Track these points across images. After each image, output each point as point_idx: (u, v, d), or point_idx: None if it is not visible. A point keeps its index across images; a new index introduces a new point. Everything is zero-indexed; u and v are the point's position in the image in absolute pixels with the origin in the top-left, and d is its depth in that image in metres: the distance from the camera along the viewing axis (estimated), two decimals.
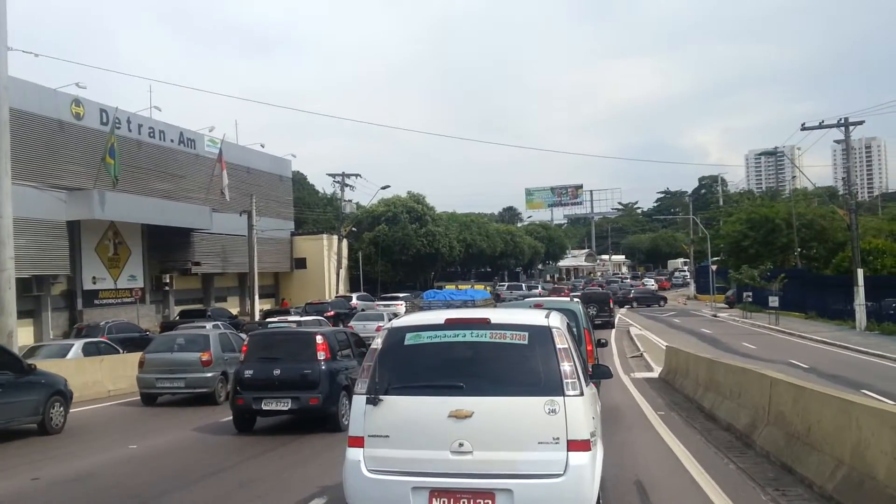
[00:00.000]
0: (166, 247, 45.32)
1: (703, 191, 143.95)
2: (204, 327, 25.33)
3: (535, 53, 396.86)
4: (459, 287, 50.46)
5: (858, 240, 36.11)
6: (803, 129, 35.58)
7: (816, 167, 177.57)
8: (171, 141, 46.03)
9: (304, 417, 13.31)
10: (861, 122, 34.89)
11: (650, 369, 23.35)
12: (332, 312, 38.89)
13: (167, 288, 45.48)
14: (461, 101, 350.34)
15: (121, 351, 22.46)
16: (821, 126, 35.30)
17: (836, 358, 26.07)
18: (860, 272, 34.79)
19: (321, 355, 13.08)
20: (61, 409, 14.07)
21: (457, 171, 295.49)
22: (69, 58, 42.81)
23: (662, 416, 14.02)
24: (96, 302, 39.85)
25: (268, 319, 29.51)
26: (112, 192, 38.28)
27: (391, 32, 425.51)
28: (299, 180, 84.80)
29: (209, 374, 17.24)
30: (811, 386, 8.78)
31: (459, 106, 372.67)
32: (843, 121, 35.05)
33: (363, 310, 41.66)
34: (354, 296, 52.57)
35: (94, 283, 39.97)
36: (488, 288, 58.17)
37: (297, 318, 30.00)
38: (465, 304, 34.86)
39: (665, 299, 67.27)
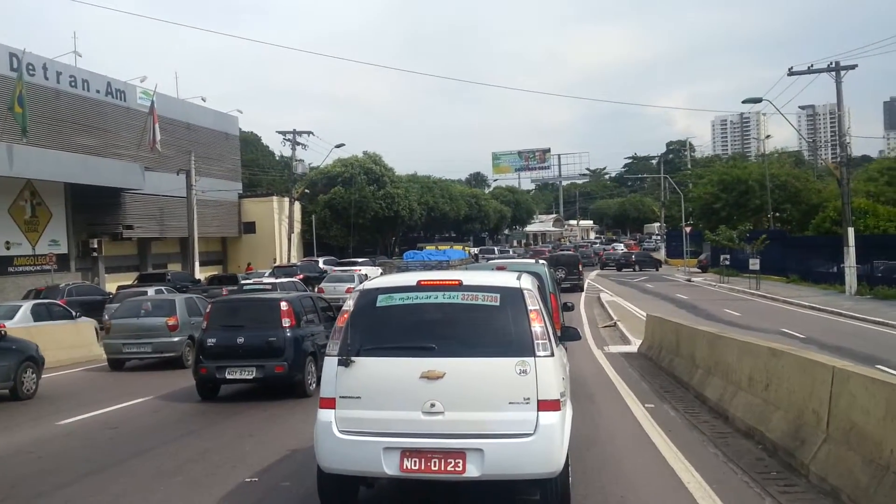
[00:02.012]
0: (94, 209, 40.83)
1: (670, 156, 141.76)
2: (145, 293, 24.62)
3: (503, 18, 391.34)
4: (439, 248, 50.31)
5: (850, 196, 33.08)
6: (790, 74, 32.32)
7: (782, 133, 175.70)
8: (97, 91, 41.38)
9: (272, 386, 12.87)
10: (853, 67, 31.63)
11: (627, 342, 20.11)
12: (301, 276, 35.87)
13: (95, 254, 41.22)
14: (427, 68, 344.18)
15: (74, 314, 21.17)
16: (810, 71, 32.07)
17: (832, 326, 23.31)
18: (851, 231, 31.82)
19: (286, 322, 12.75)
20: (33, 374, 14.15)
21: (423, 139, 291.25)
22: None
23: (652, 410, 10.58)
24: (11, 269, 35.49)
25: (244, 282, 28.02)
26: (23, 147, 33.88)
27: None
28: (253, 141, 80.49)
29: (176, 339, 17.34)
30: None
31: (426, 69, 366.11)
32: (833, 65, 31.82)
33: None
34: (321, 259, 49.60)
35: (8, 248, 35.62)
36: (466, 248, 57.86)
37: (272, 280, 28.81)
38: (440, 265, 33.46)
39: (661, 263, 66.41)
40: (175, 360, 17.24)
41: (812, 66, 32.15)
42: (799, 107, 39.53)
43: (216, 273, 45.35)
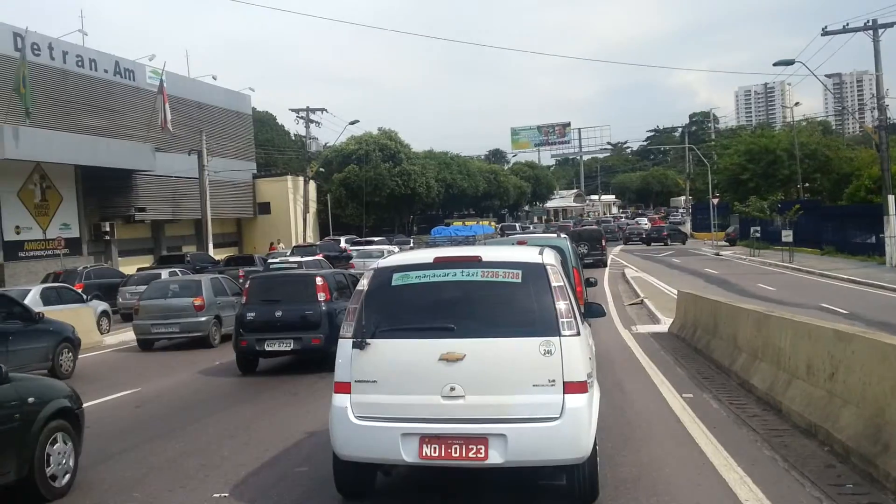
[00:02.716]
0: (105, 191, 40.05)
1: (693, 128, 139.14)
2: (159, 275, 25.18)
3: None
4: (466, 223, 50.50)
5: (889, 161, 31.36)
6: (825, 33, 30.62)
7: (807, 103, 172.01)
8: (105, 71, 40.39)
9: (307, 358, 13.38)
10: (893, 24, 29.87)
11: (656, 320, 18.86)
12: (320, 255, 35.11)
13: (108, 237, 40.44)
14: (446, 44, 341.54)
15: (86, 298, 21.22)
16: (846, 30, 30.33)
17: (875, 300, 21.91)
18: (892, 199, 30.17)
19: (321, 296, 13.36)
20: (70, 355, 14.72)
21: (440, 116, 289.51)
22: None
23: (691, 400, 9.31)
24: (21, 254, 34.77)
25: (271, 261, 29.33)
26: (30, 129, 33.02)
27: None
28: (268, 121, 79.28)
29: (203, 319, 17.77)
30: None
31: (444, 47, 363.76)
32: (871, 23, 30.06)
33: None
34: (342, 238, 49.05)
35: (18, 233, 34.88)
36: (493, 224, 58.06)
37: (298, 258, 29.11)
38: (467, 240, 33.25)
39: (687, 236, 64.98)
40: (202, 340, 17.70)
41: (847, 24, 30.43)
42: (825, 75, 38.53)
43: (232, 254, 44.61)
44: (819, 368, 7.36)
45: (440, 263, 5.78)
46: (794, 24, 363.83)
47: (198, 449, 8.27)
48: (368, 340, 5.56)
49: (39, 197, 36.46)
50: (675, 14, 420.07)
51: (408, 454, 5.37)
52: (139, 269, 31.62)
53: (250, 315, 13.28)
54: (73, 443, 6.90)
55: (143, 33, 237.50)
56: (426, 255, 6.06)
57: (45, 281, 26.34)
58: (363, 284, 5.86)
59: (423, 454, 5.33)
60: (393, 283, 5.76)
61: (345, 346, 5.65)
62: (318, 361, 12.79)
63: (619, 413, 8.68)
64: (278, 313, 13.17)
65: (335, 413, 5.61)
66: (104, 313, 22.67)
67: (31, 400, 6.49)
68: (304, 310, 13.14)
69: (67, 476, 6.72)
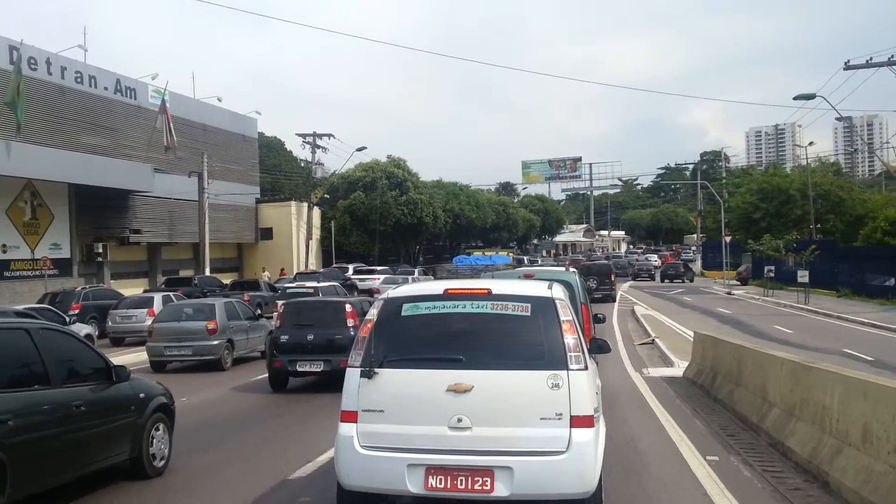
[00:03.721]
0: (100, 211, 38.73)
1: (704, 166, 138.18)
2: (151, 299, 25.16)
3: (534, 30, 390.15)
4: (486, 253, 52.93)
5: None
6: (847, 68, 29.49)
7: (818, 144, 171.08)
8: (105, 89, 39.37)
9: (334, 379, 12.88)
10: None
11: (668, 363, 17.44)
12: (335, 283, 34.51)
13: (100, 258, 39.19)
14: (458, 75, 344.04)
15: (67, 321, 20.30)
16: (869, 65, 29.19)
17: None
18: None
19: (350, 322, 14.13)
20: None
21: (451, 148, 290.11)
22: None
23: (717, 465, 7.91)
24: (7, 274, 33.54)
25: (287, 285, 31.19)
26: (22, 144, 31.99)
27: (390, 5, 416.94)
28: (276, 146, 78.61)
29: (215, 342, 17.92)
30: None
31: (456, 79, 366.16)
32: (894, 58, 28.93)
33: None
34: (351, 266, 48.53)
35: (5, 251, 33.68)
36: (510, 254, 59.86)
37: (315, 283, 30.30)
38: (487, 268, 34.34)
39: (694, 274, 64.21)
40: (214, 363, 17.79)
41: (871, 59, 29.30)
42: (836, 118, 38.18)
43: (236, 279, 43.44)
44: (881, 437, 5.97)
45: (450, 295, 5.79)
46: (805, 70, 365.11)
47: (198, 475, 8.22)
48: (377, 370, 5.53)
49: (29, 215, 35.29)
50: (686, 57, 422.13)
51: (413, 485, 5.32)
52: (145, 291, 31.34)
53: (284, 338, 14.20)
54: (169, 433, 8.25)
55: (148, 55, 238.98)
56: (436, 286, 6.04)
57: (41, 301, 25.46)
58: (372, 314, 5.84)
59: (429, 485, 5.29)
60: (402, 314, 5.76)
61: (353, 375, 5.60)
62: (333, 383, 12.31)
63: (635, 480, 7.31)
64: (310, 337, 14.04)
65: (341, 442, 5.53)
66: (87, 337, 21.51)
67: (141, 395, 7.88)
68: (334, 334, 13.98)
69: (164, 461, 8.09)
